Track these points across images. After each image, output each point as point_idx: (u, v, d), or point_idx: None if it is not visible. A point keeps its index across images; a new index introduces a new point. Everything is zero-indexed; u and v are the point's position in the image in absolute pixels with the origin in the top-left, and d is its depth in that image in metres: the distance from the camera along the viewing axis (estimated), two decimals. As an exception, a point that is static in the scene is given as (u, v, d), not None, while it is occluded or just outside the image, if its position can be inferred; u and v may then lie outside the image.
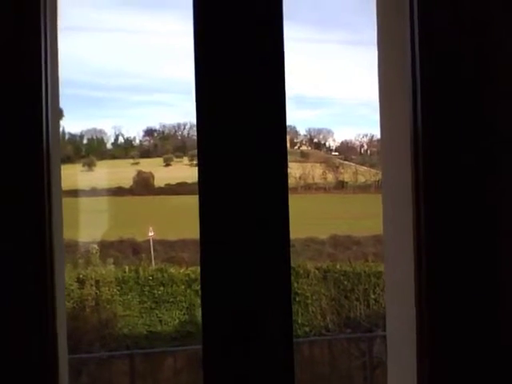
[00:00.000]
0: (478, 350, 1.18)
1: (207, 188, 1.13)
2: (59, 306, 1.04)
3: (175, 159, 8.92)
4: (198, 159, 1.13)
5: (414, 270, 1.19)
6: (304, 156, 9.23)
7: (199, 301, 1.18)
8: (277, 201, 1.15)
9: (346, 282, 6.35)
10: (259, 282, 1.14)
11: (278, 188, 1.16)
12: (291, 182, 8.58)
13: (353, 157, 9.49)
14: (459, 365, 1.18)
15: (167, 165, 8.96)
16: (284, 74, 1.15)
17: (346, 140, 9.72)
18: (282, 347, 1.14)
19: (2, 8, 1.05)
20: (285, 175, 1.16)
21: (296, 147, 9.37)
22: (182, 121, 8.77)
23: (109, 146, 9.05)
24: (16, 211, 1.03)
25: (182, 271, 6.52)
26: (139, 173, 8.81)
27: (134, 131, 9.34)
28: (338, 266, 6.52)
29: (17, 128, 1.05)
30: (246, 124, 1.15)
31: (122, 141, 9.08)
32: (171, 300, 6.35)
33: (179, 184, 8.37)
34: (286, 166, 1.17)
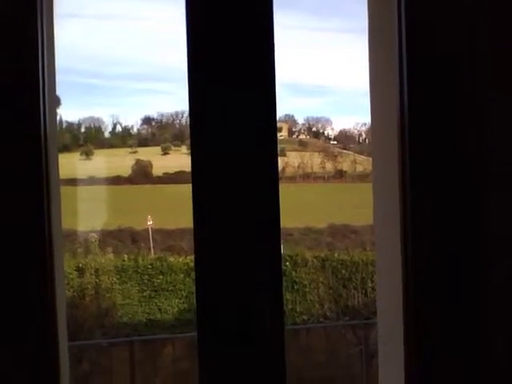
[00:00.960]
0: (464, 339, 1.19)
1: (200, 177, 1.14)
2: (59, 294, 1.05)
3: (173, 148, 8.89)
4: (191, 147, 1.13)
5: (401, 259, 1.20)
6: (302, 145, 9.21)
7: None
8: (267, 190, 1.15)
9: (343, 271, 6.39)
10: (251, 271, 1.14)
11: (268, 177, 1.16)
12: (290, 171, 8.57)
13: (351, 146, 9.47)
14: (446, 354, 1.20)
15: (165, 153, 8.93)
16: (274, 64, 1.15)
17: (344, 129, 9.69)
18: (273, 335, 1.16)
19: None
20: (275, 165, 1.17)
21: (294, 136, 9.35)
22: (179, 109, 8.73)
23: (107, 134, 9.02)
24: (14, 200, 1.03)
25: (180, 260, 6.54)
26: (137, 161, 8.79)
27: (132, 120, 9.30)
28: (335, 255, 6.55)
29: (14, 116, 1.05)
30: (238, 113, 1.14)
31: (120, 129, 9.04)
32: (170, 288, 6.38)
33: (177, 173, 8.35)
34: (276, 156, 1.17)
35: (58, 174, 1.12)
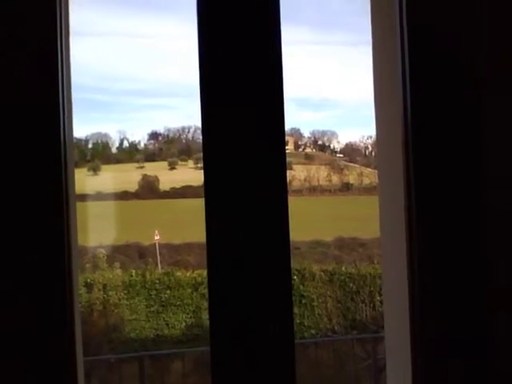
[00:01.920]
0: (471, 351, 1.19)
1: (212, 190, 1.15)
2: (76, 309, 1.07)
3: (180, 162, 8.95)
4: (204, 162, 1.15)
5: (407, 272, 1.20)
6: (308, 158, 9.24)
7: (206, 304, 1.20)
8: (277, 202, 1.16)
9: (351, 285, 6.35)
10: (261, 284, 1.15)
11: (278, 190, 1.17)
12: (296, 184, 8.58)
13: (357, 158, 9.48)
14: (453, 364, 1.19)
15: (172, 168, 8.99)
16: (282, 78, 1.17)
17: (350, 142, 9.71)
18: (283, 349, 1.16)
19: (21, 12, 1.08)
20: (284, 177, 1.18)
21: (300, 149, 9.38)
22: (186, 124, 8.80)
23: (114, 150, 9.10)
24: (35, 216, 1.05)
25: (188, 275, 6.54)
26: (144, 176, 8.85)
27: (139, 135, 9.40)
28: (343, 269, 6.52)
29: (35, 134, 1.07)
30: (248, 127, 1.17)
31: (127, 145, 9.12)
32: (178, 303, 6.38)
33: (184, 187, 8.40)
34: (285, 169, 1.19)
35: (74, 189, 1.14)
